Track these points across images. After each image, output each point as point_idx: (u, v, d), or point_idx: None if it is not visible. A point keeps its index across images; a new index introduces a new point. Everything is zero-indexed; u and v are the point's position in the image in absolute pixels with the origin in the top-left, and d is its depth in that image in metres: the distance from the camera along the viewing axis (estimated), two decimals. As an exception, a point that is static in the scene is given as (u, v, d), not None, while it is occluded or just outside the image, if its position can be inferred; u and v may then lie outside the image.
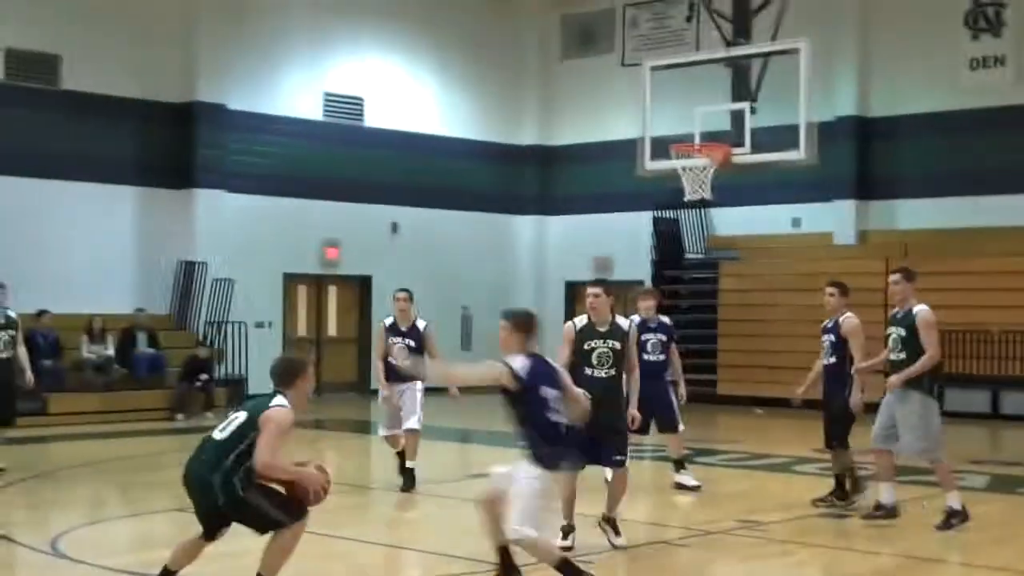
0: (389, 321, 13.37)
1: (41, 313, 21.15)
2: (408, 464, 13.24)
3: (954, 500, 10.98)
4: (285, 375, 7.89)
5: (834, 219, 26.07)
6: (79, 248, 23.10)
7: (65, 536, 10.56)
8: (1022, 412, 22.09)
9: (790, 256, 25.75)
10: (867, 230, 25.92)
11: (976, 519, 11.07)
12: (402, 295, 13.45)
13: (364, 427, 22.51)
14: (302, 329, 27.03)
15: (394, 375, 13.01)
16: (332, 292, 27.75)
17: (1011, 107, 24.22)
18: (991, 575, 9.81)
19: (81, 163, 23.49)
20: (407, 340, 13.13)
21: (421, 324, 13.35)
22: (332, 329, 27.78)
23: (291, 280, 26.68)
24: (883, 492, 11.23)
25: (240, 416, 7.70)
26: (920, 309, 11.29)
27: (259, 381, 24.59)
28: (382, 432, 13.71)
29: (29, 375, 15.45)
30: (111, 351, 22.06)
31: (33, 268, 21.71)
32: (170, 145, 24.60)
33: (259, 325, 25.13)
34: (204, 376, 22.36)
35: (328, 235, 26.81)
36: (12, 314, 15.15)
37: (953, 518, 10.94)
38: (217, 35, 24.94)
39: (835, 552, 10.42)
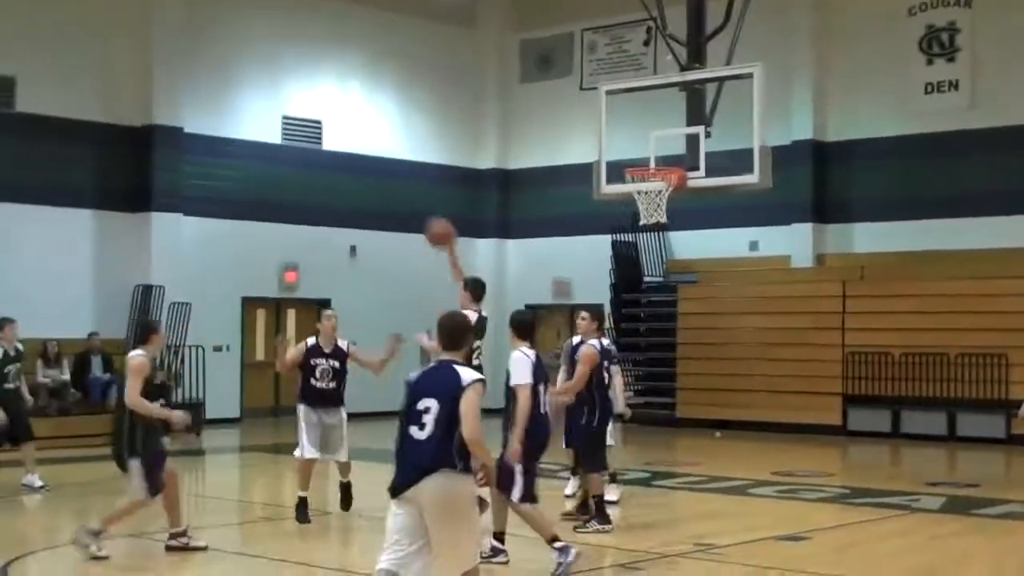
0: (312, 341, 13.16)
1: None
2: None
3: None
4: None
5: (791, 242, 26.21)
6: (35, 272, 22.91)
7: (17, 563, 10.46)
8: (978, 434, 22.22)
9: (748, 279, 25.89)
10: (824, 253, 26.09)
11: (935, 540, 11.11)
12: (331, 313, 13.40)
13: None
14: (260, 353, 26.89)
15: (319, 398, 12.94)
16: (291, 315, 27.66)
17: (965, 131, 24.45)
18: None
19: (37, 186, 23.36)
20: (331, 361, 13.00)
21: (343, 344, 13.16)
22: (291, 352, 27.58)
23: (250, 303, 26.57)
24: None
25: None
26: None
27: (217, 404, 24.67)
28: (311, 454, 12.88)
29: (28, 398, 16.53)
30: (66, 376, 21.89)
31: (-12, 292, 21.56)
32: (127, 168, 24.49)
33: (217, 349, 25.04)
34: (161, 400, 22.14)
35: (287, 258, 26.74)
36: (20, 347, 15.86)
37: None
38: (175, 59, 24.86)
39: (790, 575, 10.44)
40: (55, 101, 23.62)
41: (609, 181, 19.09)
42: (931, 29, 25.03)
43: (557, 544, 9.83)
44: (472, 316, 10.96)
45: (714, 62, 18.88)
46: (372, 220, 28.00)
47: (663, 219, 18.54)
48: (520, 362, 10.07)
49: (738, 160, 18.45)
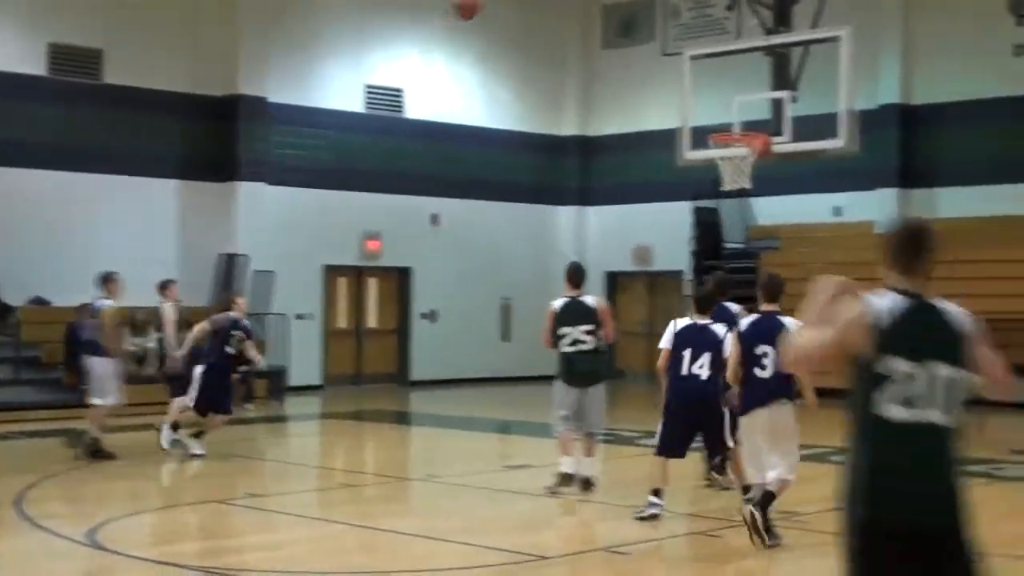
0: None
1: (83, 307, 21.22)
2: None
3: (567, 466, 12.06)
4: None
5: (877, 207, 25.79)
6: (121, 241, 23.14)
7: (102, 528, 10.62)
8: (1068, 402, 21.77)
9: (832, 245, 25.55)
10: (910, 219, 25.64)
11: None
12: None
13: (403, 418, 22.55)
14: (343, 321, 27.06)
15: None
16: (372, 284, 27.78)
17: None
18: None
19: (123, 157, 23.64)
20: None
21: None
22: (372, 321, 27.81)
23: (332, 272, 26.72)
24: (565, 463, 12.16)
25: None
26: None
27: (300, 372, 24.88)
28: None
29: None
30: (152, 343, 22.12)
31: (75, 262, 21.85)
32: (212, 138, 24.71)
33: (300, 317, 25.22)
34: (244, 368, 22.38)
35: (368, 227, 26.83)
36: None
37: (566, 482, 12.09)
38: (259, 29, 25.01)
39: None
40: (141, 72, 23.87)
41: (692, 147, 18.98)
42: (1021, -11, 24.49)
43: (656, 498, 10.45)
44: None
45: (800, 26, 18.66)
46: (453, 188, 28.02)
47: (747, 185, 18.43)
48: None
49: (823, 124, 18.24)
